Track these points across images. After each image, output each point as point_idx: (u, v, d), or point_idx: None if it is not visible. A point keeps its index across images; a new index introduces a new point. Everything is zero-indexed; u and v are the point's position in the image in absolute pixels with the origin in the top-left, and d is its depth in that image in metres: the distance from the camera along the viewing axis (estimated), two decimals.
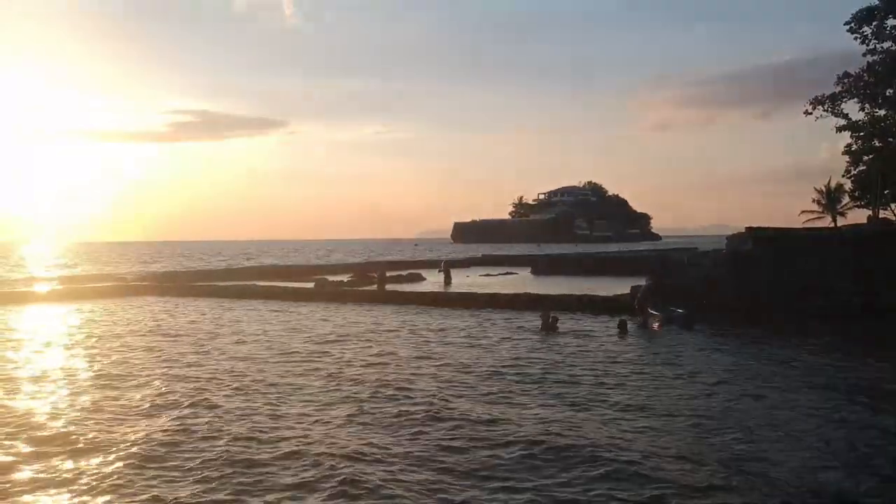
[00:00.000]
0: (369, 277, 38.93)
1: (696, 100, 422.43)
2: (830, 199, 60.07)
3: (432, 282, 37.29)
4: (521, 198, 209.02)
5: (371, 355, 15.53)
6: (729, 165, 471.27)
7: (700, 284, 21.92)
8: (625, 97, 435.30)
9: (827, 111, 36.31)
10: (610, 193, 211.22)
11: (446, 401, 10.98)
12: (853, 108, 36.97)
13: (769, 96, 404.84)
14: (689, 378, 13.06)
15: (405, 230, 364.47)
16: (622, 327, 19.32)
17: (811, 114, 36.97)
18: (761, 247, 21.75)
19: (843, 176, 46.62)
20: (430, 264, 52.34)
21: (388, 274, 40.18)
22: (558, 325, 19.83)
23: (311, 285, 34.05)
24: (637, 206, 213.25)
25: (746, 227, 22.86)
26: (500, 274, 44.71)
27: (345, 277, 37.69)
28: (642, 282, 25.26)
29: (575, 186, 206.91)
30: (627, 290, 24.51)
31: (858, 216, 57.38)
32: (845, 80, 36.21)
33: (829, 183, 59.67)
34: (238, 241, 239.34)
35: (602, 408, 10.76)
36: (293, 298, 30.25)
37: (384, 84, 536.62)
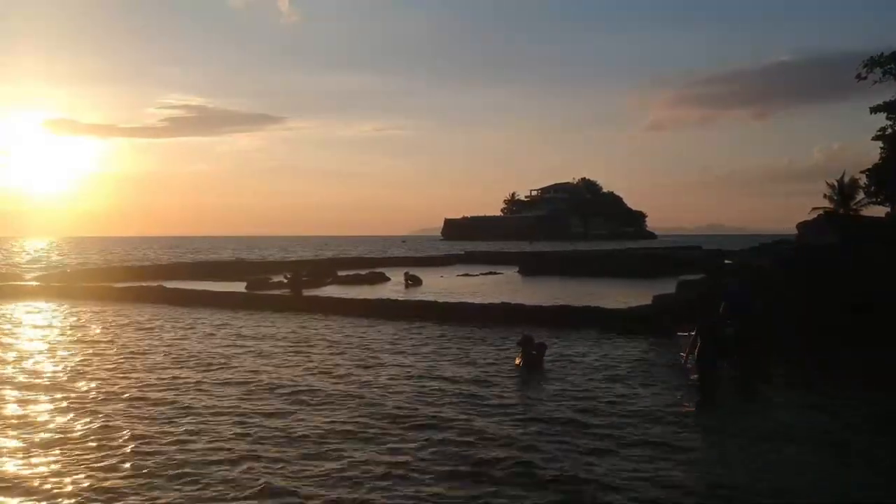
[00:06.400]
0: (323, 277, 32.77)
1: (692, 99, 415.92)
2: (843, 195, 55.47)
3: (396, 283, 30.67)
4: (514, 194, 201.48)
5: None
6: (725, 165, 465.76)
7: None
8: (621, 96, 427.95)
9: (889, 73, 29.27)
10: (605, 191, 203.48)
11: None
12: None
13: (765, 96, 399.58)
14: None
15: (401, 227, 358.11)
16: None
17: (865, 78, 29.97)
18: (850, 239, 14.72)
19: (877, 164, 39.38)
20: (420, 262, 47.31)
21: (343, 273, 34.05)
22: (545, 356, 12.77)
23: (243, 285, 29.32)
24: (632, 204, 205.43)
25: (817, 211, 15.89)
26: (481, 274, 37.67)
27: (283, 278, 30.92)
28: (670, 288, 18.37)
29: (569, 183, 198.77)
30: (649, 301, 17.64)
31: (875, 213, 51.86)
32: None
33: (842, 177, 54.92)
34: (235, 237, 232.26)
35: None
36: (182, 303, 24.03)
37: (382, 81, 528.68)
